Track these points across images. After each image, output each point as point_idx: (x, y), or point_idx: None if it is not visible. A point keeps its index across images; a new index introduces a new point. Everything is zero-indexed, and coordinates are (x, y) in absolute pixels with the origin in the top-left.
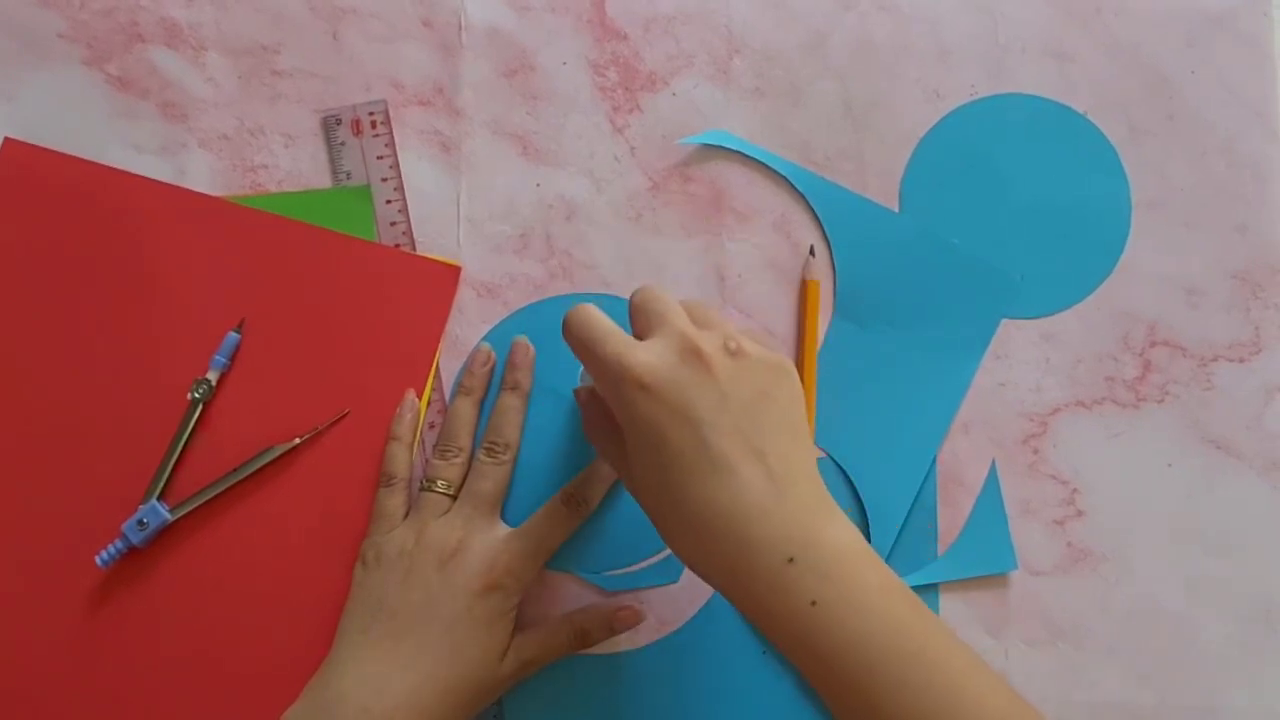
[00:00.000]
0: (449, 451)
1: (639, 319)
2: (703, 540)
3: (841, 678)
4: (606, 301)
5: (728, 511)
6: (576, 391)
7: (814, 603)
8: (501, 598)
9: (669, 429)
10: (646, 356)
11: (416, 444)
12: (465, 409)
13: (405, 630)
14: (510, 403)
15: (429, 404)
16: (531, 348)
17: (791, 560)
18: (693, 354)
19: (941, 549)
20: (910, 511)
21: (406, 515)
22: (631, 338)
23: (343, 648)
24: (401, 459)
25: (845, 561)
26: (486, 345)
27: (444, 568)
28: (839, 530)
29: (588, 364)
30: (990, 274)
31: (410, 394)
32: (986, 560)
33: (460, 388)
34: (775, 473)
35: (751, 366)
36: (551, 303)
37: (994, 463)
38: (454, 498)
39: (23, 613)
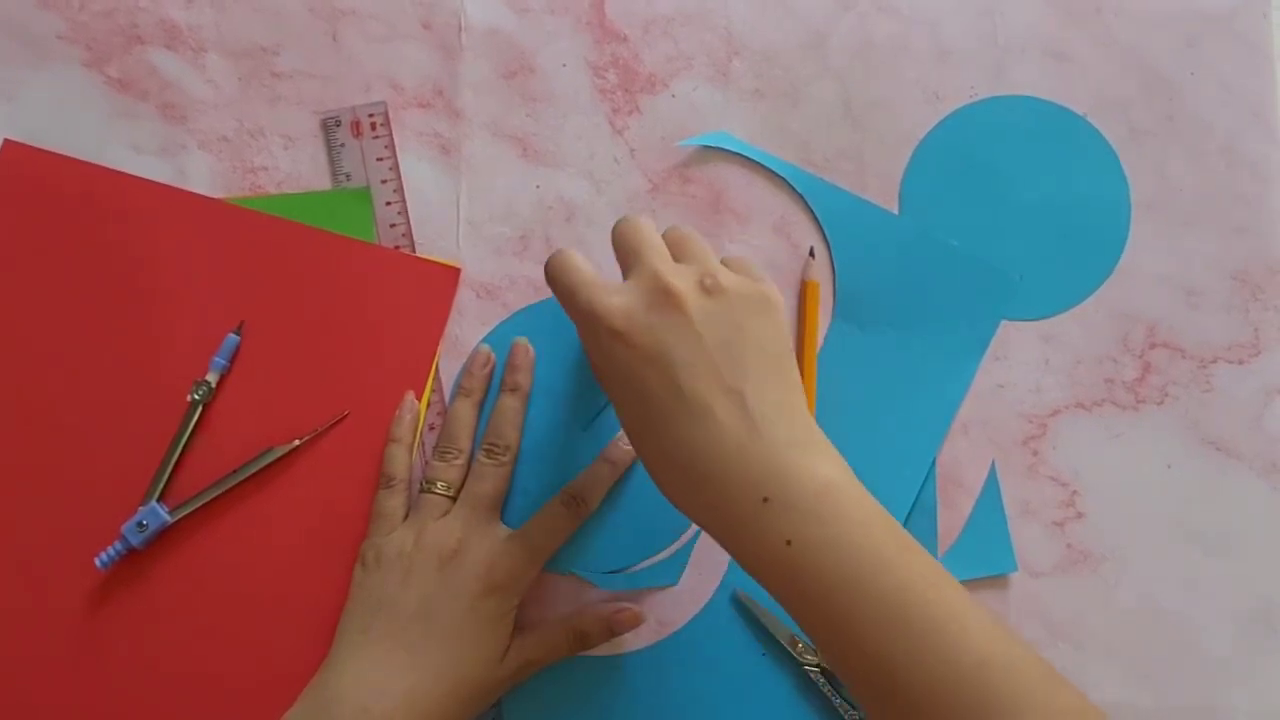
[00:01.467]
0: (449, 453)
1: (618, 253)
2: (684, 481)
3: (822, 616)
4: None
5: (705, 453)
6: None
7: (789, 542)
8: (501, 599)
9: (643, 373)
10: (618, 300)
11: (416, 445)
12: (465, 410)
13: (404, 631)
14: (510, 404)
15: (428, 405)
16: (531, 349)
17: (766, 500)
18: (664, 294)
19: (941, 550)
20: (910, 513)
21: (406, 516)
22: (606, 282)
23: (342, 648)
24: (401, 460)
25: (825, 498)
26: (486, 347)
27: (443, 569)
28: (821, 466)
29: (566, 310)
30: (990, 275)
31: (409, 396)
32: (986, 561)
33: (460, 389)
34: (752, 411)
35: (729, 302)
36: (550, 304)
37: (993, 464)
38: (454, 499)
39: (22, 614)
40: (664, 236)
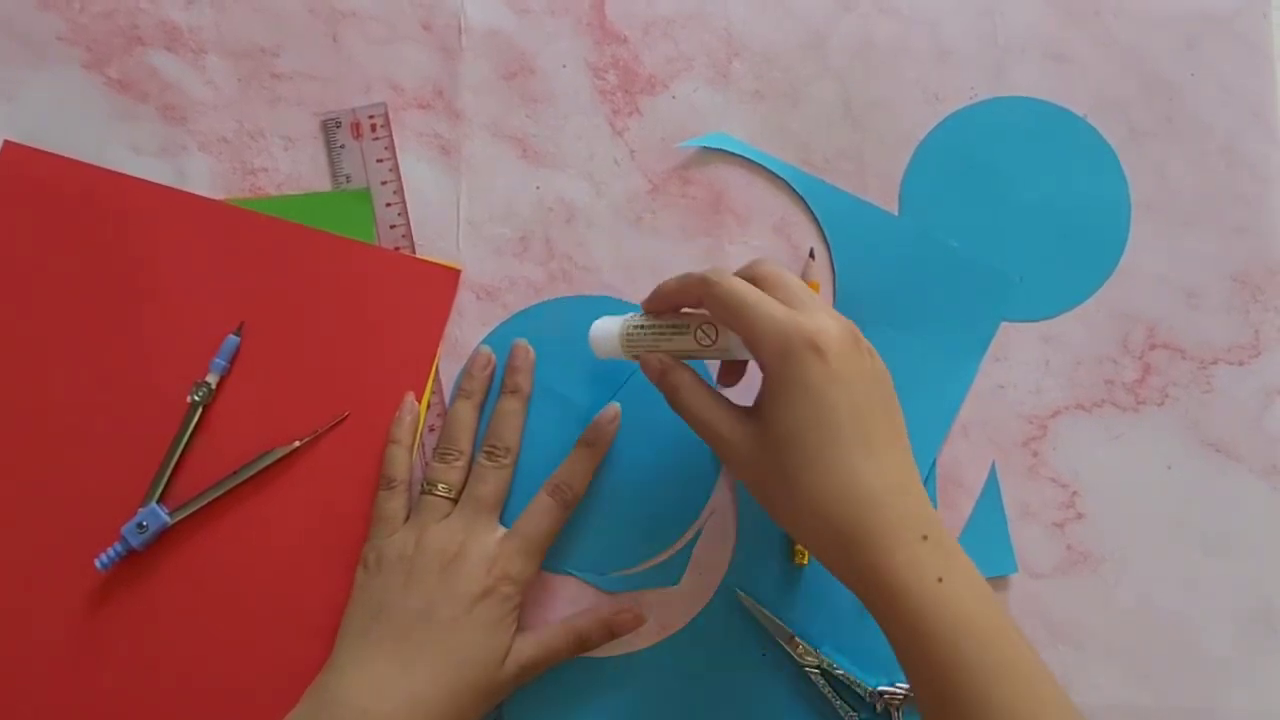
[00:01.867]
0: (449, 455)
1: (778, 287)
2: (840, 507)
3: (944, 656)
4: (607, 304)
5: (873, 485)
6: (648, 361)
7: (941, 579)
8: (500, 600)
9: (834, 394)
10: (820, 319)
11: (416, 447)
12: (465, 412)
13: (406, 634)
14: (510, 406)
15: (429, 407)
16: (531, 351)
17: (925, 538)
18: (854, 334)
19: None
20: None
21: (407, 518)
22: (788, 306)
23: (343, 651)
24: (401, 462)
25: (959, 548)
26: (486, 348)
27: (444, 572)
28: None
29: (741, 322)
30: (989, 276)
31: (409, 397)
32: (986, 563)
33: (460, 391)
34: (909, 459)
35: (880, 364)
36: (550, 305)
37: (994, 465)
38: (454, 501)
39: (22, 615)
40: (773, 277)
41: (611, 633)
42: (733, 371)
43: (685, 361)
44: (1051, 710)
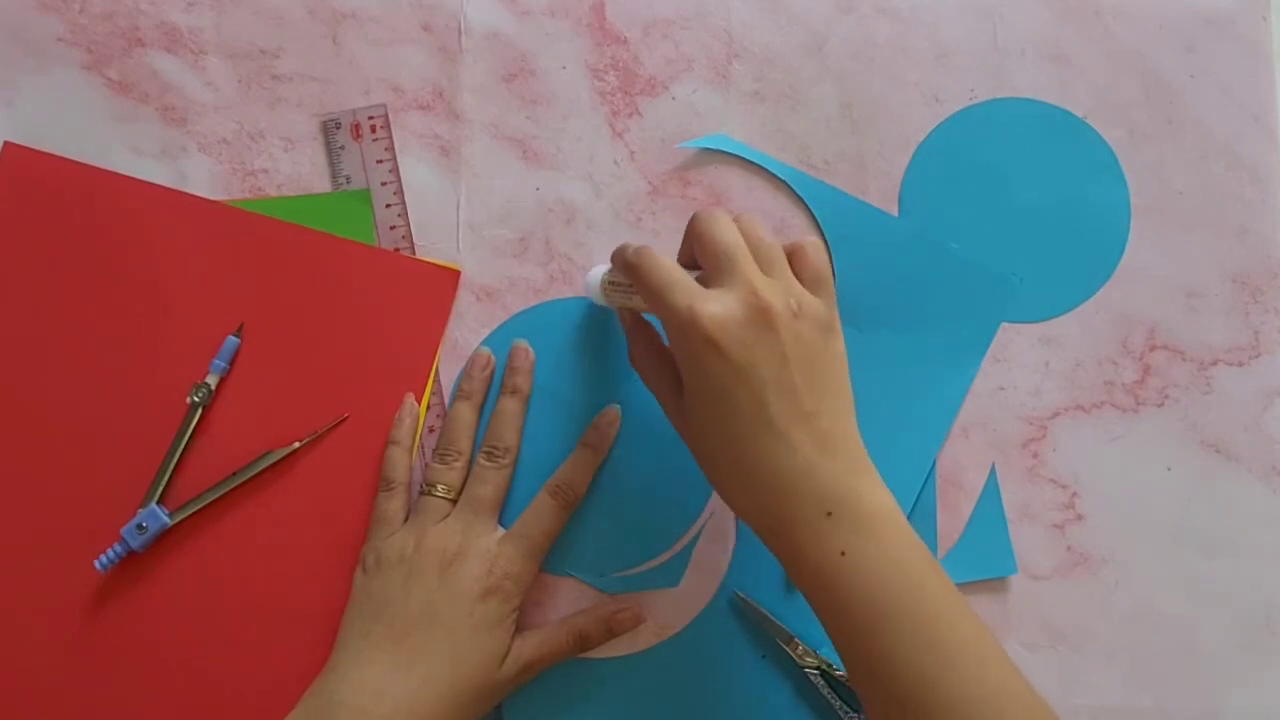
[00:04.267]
0: (449, 455)
1: (706, 252)
2: (751, 491)
3: (857, 627)
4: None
5: (779, 468)
6: (621, 314)
7: (844, 553)
8: (500, 601)
9: (733, 386)
10: (716, 309)
11: (416, 448)
12: (465, 413)
13: (405, 635)
14: (510, 406)
15: (428, 408)
16: (531, 352)
17: (829, 514)
18: (761, 312)
19: (941, 553)
20: (910, 515)
21: (406, 519)
22: (698, 285)
23: (343, 652)
24: (401, 463)
25: (877, 520)
26: (485, 349)
27: (444, 573)
28: (876, 491)
29: (654, 308)
30: (989, 278)
31: (409, 399)
32: (986, 564)
33: (459, 392)
34: (824, 433)
35: (808, 325)
36: (550, 306)
37: (994, 467)
38: (454, 502)
39: (21, 616)
40: (740, 229)
41: (611, 632)
42: None
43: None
44: (972, 670)
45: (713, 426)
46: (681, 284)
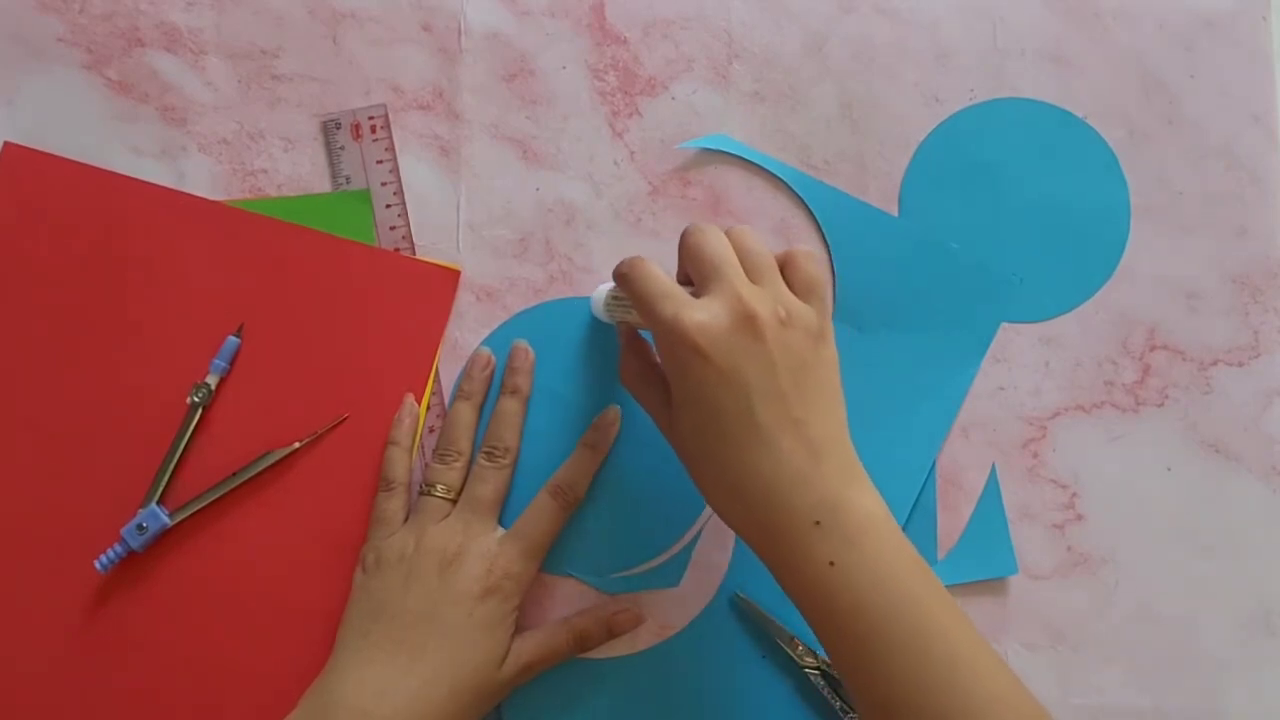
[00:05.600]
0: (448, 455)
1: (695, 264)
2: (739, 500)
3: (848, 636)
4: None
5: (766, 477)
6: (620, 329)
7: (832, 563)
8: (500, 601)
9: (719, 394)
10: (703, 318)
11: (416, 448)
12: (465, 413)
13: (405, 635)
14: (509, 406)
15: (428, 408)
16: (531, 352)
17: (818, 523)
18: (747, 319)
19: (941, 553)
20: (910, 516)
21: (406, 519)
22: (687, 295)
23: (343, 653)
24: (400, 463)
25: (867, 529)
26: (486, 349)
27: (444, 573)
28: (866, 499)
29: (644, 318)
30: (989, 278)
31: (409, 399)
32: (986, 564)
33: (459, 392)
34: (813, 441)
35: (797, 333)
36: (550, 306)
37: (994, 467)
38: (454, 502)
39: (21, 616)
40: (731, 240)
41: (611, 632)
42: None
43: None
44: (965, 679)
45: (700, 436)
46: (671, 294)
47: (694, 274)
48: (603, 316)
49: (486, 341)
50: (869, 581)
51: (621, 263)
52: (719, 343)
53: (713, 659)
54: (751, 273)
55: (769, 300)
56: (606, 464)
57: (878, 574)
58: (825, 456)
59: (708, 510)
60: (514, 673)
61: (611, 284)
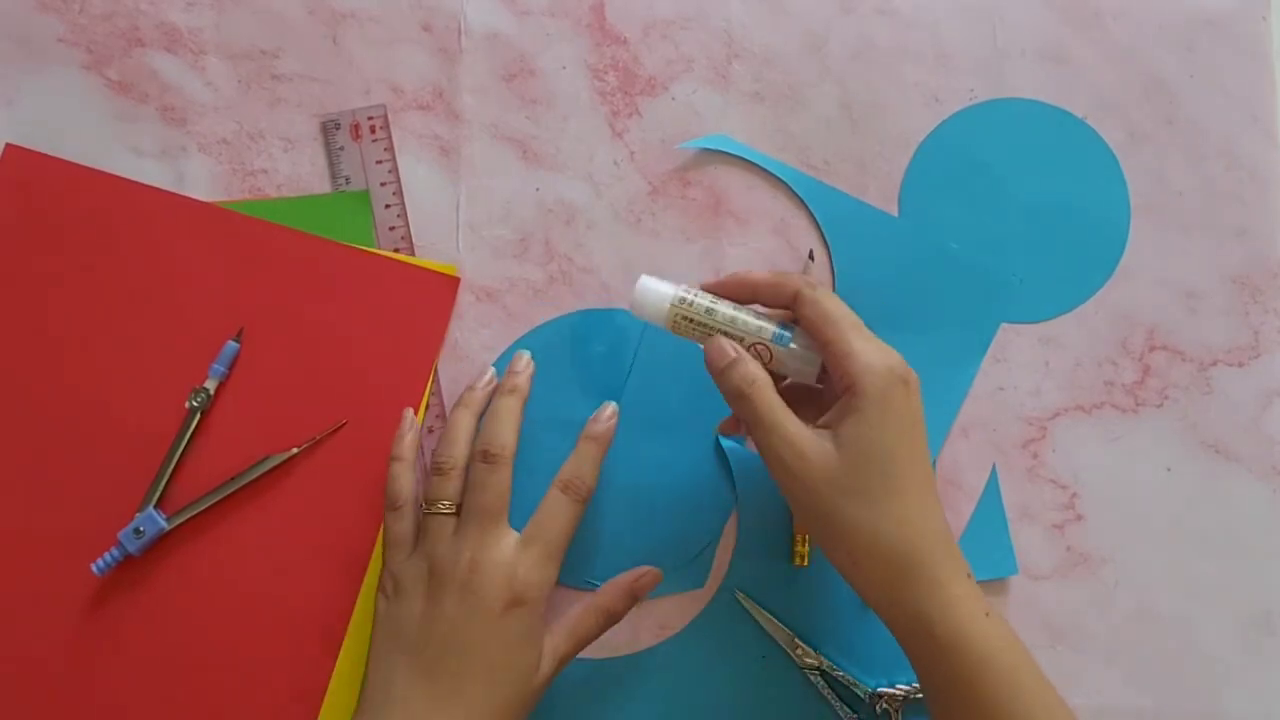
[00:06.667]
0: (444, 463)
1: (837, 318)
2: (902, 542)
3: (989, 688)
4: (622, 315)
5: (936, 523)
6: (716, 345)
7: (988, 614)
8: (526, 611)
9: (917, 428)
10: (897, 359)
11: (417, 462)
12: (462, 419)
13: (438, 663)
14: (506, 404)
15: (428, 408)
16: (532, 361)
17: (969, 575)
18: (910, 375)
19: None
20: None
21: (418, 536)
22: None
23: (377, 690)
24: (405, 480)
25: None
26: (493, 369)
27: (463, 591)
28: None
29: (839, 344)
30: (989, 278)
31: (408, 412)
32: (987, 565)
33: (460, 400)
34: (938, 496)
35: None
36: (558, 325)
37: (994, 467)
38: (458, 514)
39: (18, 619)
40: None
41: (634, 598)
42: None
43: None
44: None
45: (895, 460)
46: (859, 328)
47: (835, 327)
48: (655, 317)
49: (497, 364)
50: (1011, 634)
51: (786, 275)
52: (916, 384)
53: (713, 659)
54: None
55: None
56: (628, 476)
57: (1010, 630)
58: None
59: (729, 515)
60: (551, 671)
61: (668, 285)
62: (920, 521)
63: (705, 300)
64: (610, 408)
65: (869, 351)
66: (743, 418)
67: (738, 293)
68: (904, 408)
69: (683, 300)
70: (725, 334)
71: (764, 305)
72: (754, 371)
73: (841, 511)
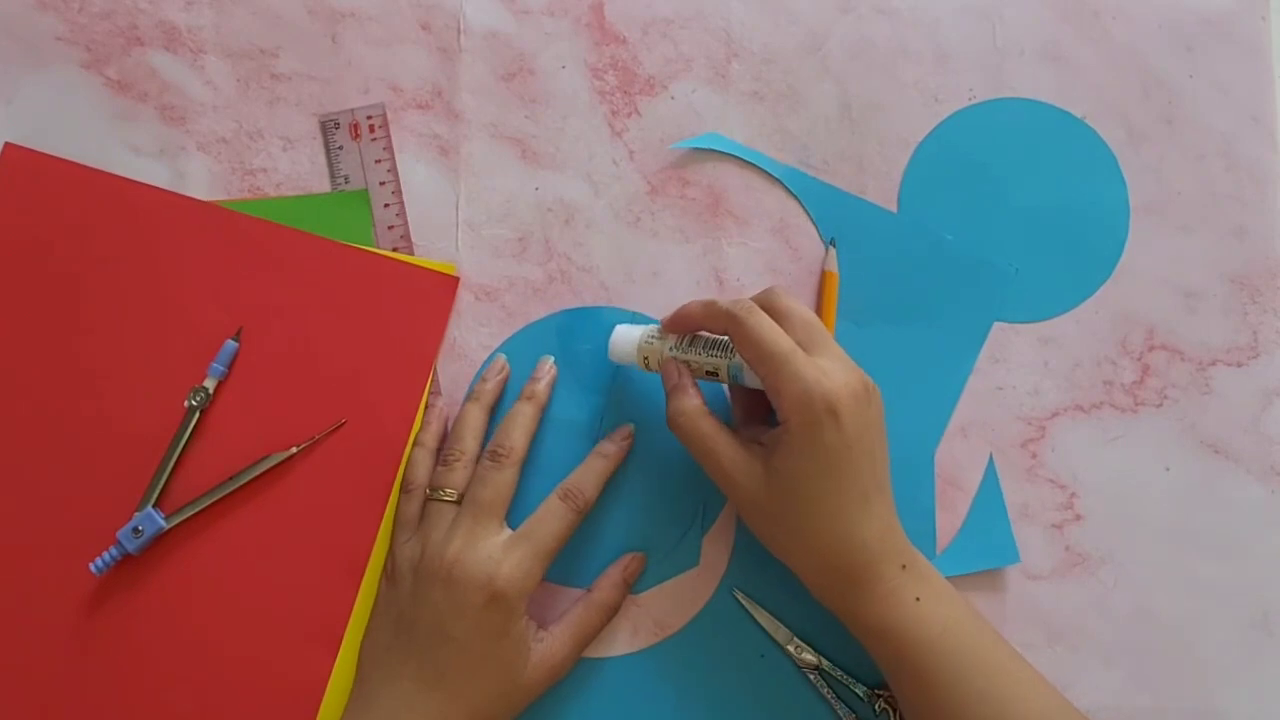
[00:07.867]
0: (452, 455)
1: (794, 324)
2: (830, 552)
3: (929, 659)
4: (609, 313)
5: (864, 533)
6: (669, 369)
7: (918, 599)
8: (505, 607)
9: (843, 460)
10: (839, 381)
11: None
12: (473, 413)
13: (425, 649)
14: (523, 409)
15: (427, 406)
16: (555, 369)
17: (904, 566)
18: (864, 388)
19: (940, 546)
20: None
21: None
22: (810, 357)
23: (371, 667)
24: (423, 465)
25: (930, 568)
26: (503, 355)
27: (448, 580)
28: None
29: (765, 372)
30: (985, 269)
31: (440, 403)
32: (987, 555)
33: (470, 394)
34: (889, 495)
35: (879, 401)
36: (558, 318)
37: (991, 456)
38: (459, 504)
39: (17, 618)
40: (793, 317)
41: (627, 585)
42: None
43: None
44: (1028, 692)
45: (815, 492)
46: (798, 352)
47: (802, 340)
48: (630, 360)
49: (499, 350)
50: (948, 610)
51: (732, 306)
52: (849, 407)
53: (712, 659)
54: (817, 345)
55: (861, 371)
56: (621, 477)
57: (957, 607)
58: (895, 510)
59: (713, 490)
60: (543, 674)
61: (637, 327)
62: (849, 538)
63: (669, 342)
64: (627, 429)
65: (798, 384)
66: (684, 442)
67: (685, 327)
68: (833, 439)
69: (648, 341)
70: (687, 364)
71: (712, 334)
72: (684, 404)
73: (770, 532)
